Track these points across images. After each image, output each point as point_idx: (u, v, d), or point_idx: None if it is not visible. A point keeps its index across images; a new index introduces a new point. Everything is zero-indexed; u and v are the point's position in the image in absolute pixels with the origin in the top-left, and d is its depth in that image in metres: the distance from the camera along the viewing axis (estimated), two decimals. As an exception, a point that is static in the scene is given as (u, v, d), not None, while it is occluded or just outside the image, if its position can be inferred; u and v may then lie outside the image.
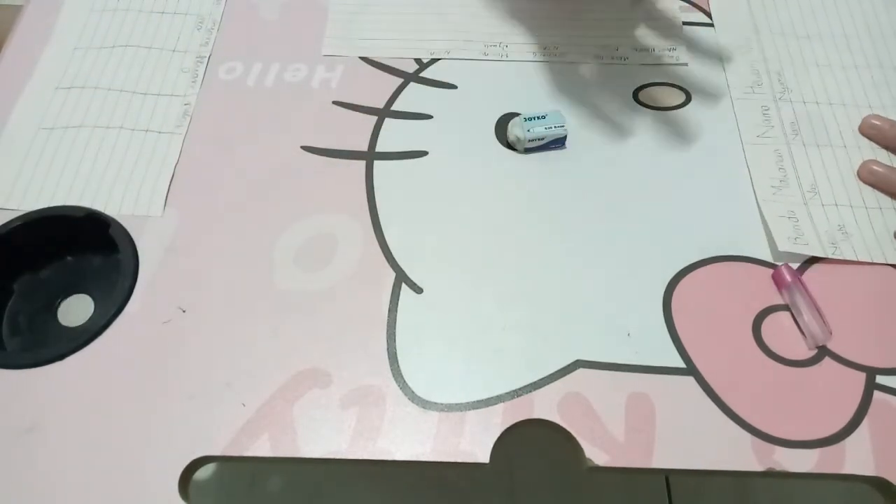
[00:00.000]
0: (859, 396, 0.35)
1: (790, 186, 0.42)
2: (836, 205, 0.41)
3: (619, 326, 0.37)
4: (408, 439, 0.34)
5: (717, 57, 0.49)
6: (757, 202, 0.41)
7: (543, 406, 0.35)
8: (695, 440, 0.34)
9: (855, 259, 0.39)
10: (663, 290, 0.39)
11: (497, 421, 0.34)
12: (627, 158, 0.44)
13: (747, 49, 0.49)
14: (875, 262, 0.39)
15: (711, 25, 0.50)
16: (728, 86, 0.47)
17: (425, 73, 0.48)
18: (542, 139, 0.44)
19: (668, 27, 0.51)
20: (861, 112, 0.46)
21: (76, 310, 0.40)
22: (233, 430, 0.34)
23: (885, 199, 0.42)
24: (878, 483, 0.33)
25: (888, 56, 0.49)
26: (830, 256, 0.39)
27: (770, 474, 0.33)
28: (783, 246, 0.39)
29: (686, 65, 0.49)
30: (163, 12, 0.51)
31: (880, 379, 0.36)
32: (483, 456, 0.33)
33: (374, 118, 0.46)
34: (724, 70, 0.48)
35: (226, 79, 0.47)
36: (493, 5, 0.52)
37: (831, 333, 0.37)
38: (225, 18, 0.51)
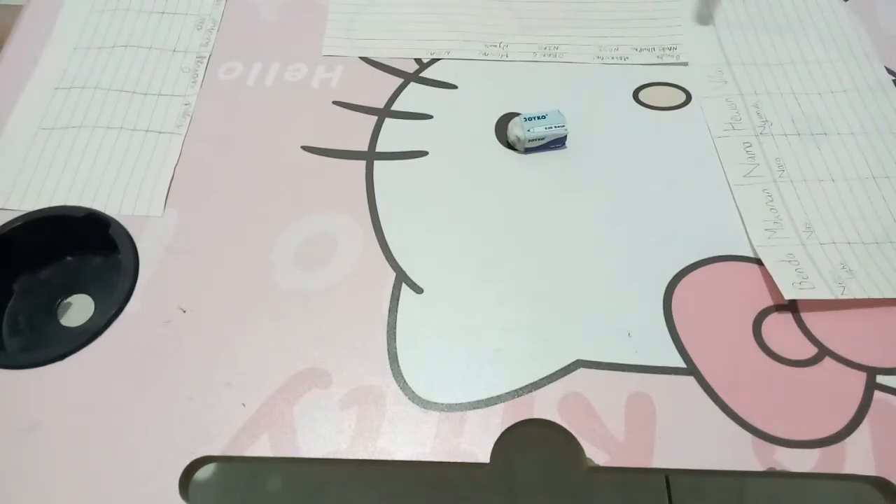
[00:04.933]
0: (860, 396, 0.35)
1: (784, 228, 0.41)
2: (835, 243, 0.40)
3: (619, 326, 0.37)
4: (408, 439, 0.34)
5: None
6: (752, 248, 0.40)
7: (543, 406, 0.35)
8: (695, 440, 0.34)
9: (865, 297, 0.37)
10: (663, 289, 0.39)
11: (497, 421, 0.34)
12: (627, 158, 0.44)
13: (721, 82, 0.48)
14: (885, 296, 0.37)
15: (685, 64, 0.49)
16: (707, 126, 0.46)
17: (425, 73, 0.48)
18: (542, 139, 0.44)
19: (668, 27, 0.51)
20: (843, 140, 0.44)
21: (76, 310, 0.40)
22: (233, 430, 0.34)
23: (882, 234, 0.40)
24: (878, 483, 0.33)
25: (862, 77, 0.48)
26: (840, 297, 0.37)
27: (770, 474, 0.33)
28: (789, 293, 0.37)
29: (686, 65, 0.49)
30: (163, 12, 0.51)
31: (881, 379, 0.36)
32: (483, 456, 0.33)
33: (374, 118, 0.46)
34: (701, 108, 0.46)
35: (226, 79, 0.47)
36: (493, 5, 0.52)
37: None
38: (225, 18, 0.51)
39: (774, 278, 0.38)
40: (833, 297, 0.37)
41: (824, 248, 0.40)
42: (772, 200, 0.42)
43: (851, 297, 0.37)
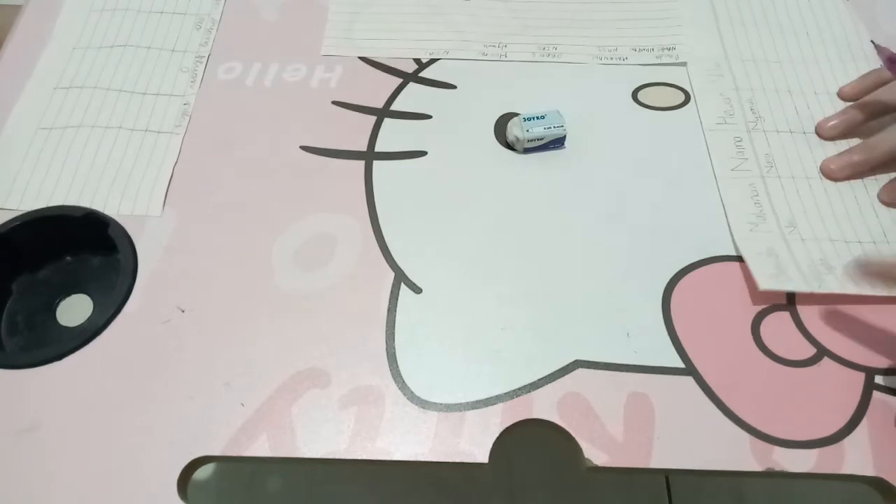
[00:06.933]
0: (858, 397, 0.35)
1: (767, 222, 0.41)
2: (816, 239, 0.40)
3: (618, 326, 0.37)
4: (407, 439, 0.34)
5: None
6: (733, 240, 0.40)
7: (543, 406, 0.35)
8: (694, 440, 0.34)
9: (840, 292, 0.37)
10: (663, 290, 0.39)
11: (496, 421, 0.34)
12: (627, 158, 0.44)
13: (717, 76, 0.48)
14: (862, 293, 0.38)
15: (683, 64, 0.49)
16: (699, 118, 0.46)
17: (425, 73, 0.48)
18: (542, 139, 0.44)
19: (666, 27, 0.51)
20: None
21: (75, 310, 0.40)
22: (232, 430, 0.34)
23: (864, 233, 0.40)
24: (877, 483, 0.33)
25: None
26: (816, 291, 0.37)
27: (769, 474, 0.33)
28: (764, 284, 0.37)
29: (685, 64, 0.49)
30: (162, 12, 0.51)
31: (879, 379, 0.36)
32: (482, 456, 0.33)
33: (374, 118, 0.46)
34: (695, 101, 0.47)
35: (225, 79, 0.47)
36: (493, 5, 0.52)
37: None
38: (224, 18, 0.51)
39: (751, 269, 0.38)
40: (809, 291, 0.38)
41: (805, 243, 0.40)
42: (757, 195, 0.42)
43: (827, 291, 0.38)
